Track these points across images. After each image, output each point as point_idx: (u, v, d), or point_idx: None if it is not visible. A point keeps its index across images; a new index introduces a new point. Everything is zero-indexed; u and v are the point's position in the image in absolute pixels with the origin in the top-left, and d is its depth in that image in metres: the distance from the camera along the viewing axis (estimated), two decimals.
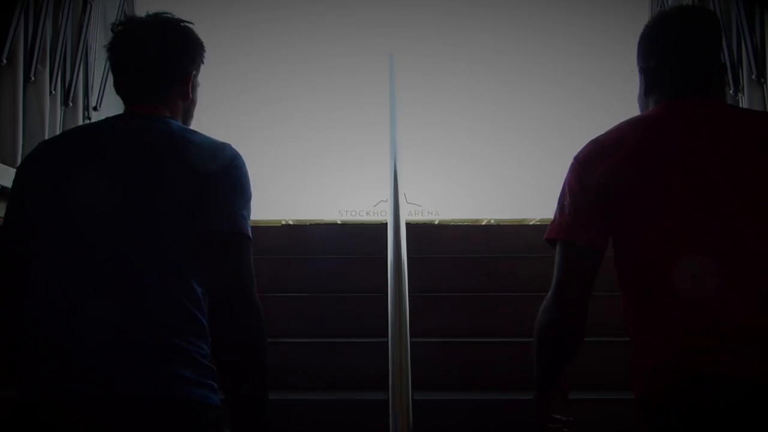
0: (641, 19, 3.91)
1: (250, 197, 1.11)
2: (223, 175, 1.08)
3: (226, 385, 1.03)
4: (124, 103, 1.19)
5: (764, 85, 2.71)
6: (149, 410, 0.97)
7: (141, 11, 3.80)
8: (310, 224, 4.04)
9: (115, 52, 1.17)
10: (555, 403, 1.23)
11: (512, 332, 2.52)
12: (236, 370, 1.03)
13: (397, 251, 1.86)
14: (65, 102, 3.11)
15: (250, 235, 1.08)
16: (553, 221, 1.15)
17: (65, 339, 1.00)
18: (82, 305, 1.01)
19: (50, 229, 1.07)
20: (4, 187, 2.41)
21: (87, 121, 3.31)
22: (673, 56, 1.15)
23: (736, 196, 1.01)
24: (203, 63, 1.24)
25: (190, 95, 1.22)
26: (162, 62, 1.16)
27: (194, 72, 1.22)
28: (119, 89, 1.19)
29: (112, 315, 0.99)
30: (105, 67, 3.53)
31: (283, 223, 5.24)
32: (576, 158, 1.14)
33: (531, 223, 4.82)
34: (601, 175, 1.08)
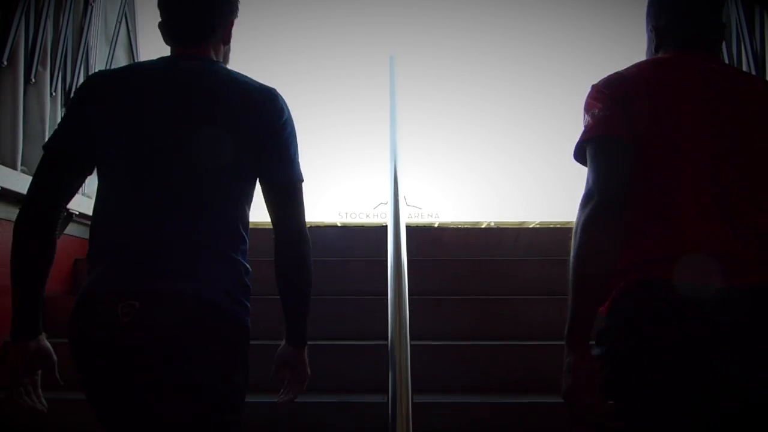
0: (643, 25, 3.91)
1: (296, 138, 1.34)
2: (279, 123, 1.28)
3: (283, 288, 1.33)
4: (173, 44, 1.32)
5: None
6: (188, 309, 1.14)
7: (141, 13, 3.76)
8: (310, 226, 4.02)
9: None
10: (590, 393, 1.09)
11: (513, 335, 2.52)
12: (291, 280, 1.33)
13: (398, 254, 1.86)
14: (66, 103, 3.09)
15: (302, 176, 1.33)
16: (584, 131, 1.20)
17: (129, 243, 1.19)
18: (148, 209, 1.19)
19: (119, 148, 1.23)
20: (4, 189, 2.40)
21: None
22: (682, 16, 1.29)
23: (750, 156, 1.16)
24: (238, 14, 1.39)
25: (229, 40, 1.39)
26: (212, 9, 1.31)
27: (234, 19, 1.37)
28: (169, 32, 1.31)
29: (172, 227, 1.18)
30: (105, 68, 3.53)
31: None
32: (596, 84, 1.24)
33: (531, 225, 4.82)
34: (624, 92, 1.19)
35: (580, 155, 1.22)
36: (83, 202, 3.02)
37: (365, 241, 3.16)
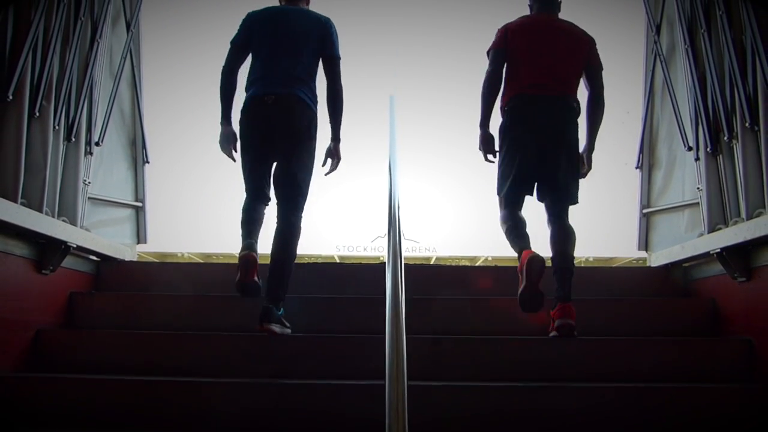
0: (639, 60, 4.02)
1: (338, 38, 2.94)
2: (330, 30, 2.89)
3: (329, 106, 2.90)
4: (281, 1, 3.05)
5: (758, 133, 2.73)
6: (295, 101, 2.78)
7: (146, 48, 3.81)
8: (308, 262, 4.01)
9: None
10: (490, 143, 2.91)
11: (513, 376, 2.50)
12: (333, 94, 2.88)
13: (395, 292, 1.85)
14: (68, 137, 3.11)
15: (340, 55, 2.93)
16: (491, 46, 2.90)
17: (267, 75, 2.82)
18: (274, 65, 2.82)
19: (263, 42, 2.88)
20: (2, 222, 2.40)
21: (88, 157, 3.33)
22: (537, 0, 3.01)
23: (559, 52, 2.84)
24: None
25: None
26: None
27: None
28: None
29: (289, 68, 2.81)
30: (108, 103, 3.57)
31: None
32: (499, 29, 2.92)
33: None
34: (507, 31, 2.89)
35: (488, 57, 2.91)
36: (80, 235, 3.02)
37: (363, 278, 3.15)
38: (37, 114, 2.80)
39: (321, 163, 2.91)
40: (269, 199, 2.87)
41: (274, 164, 2.83)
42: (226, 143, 2.88)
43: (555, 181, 2.75)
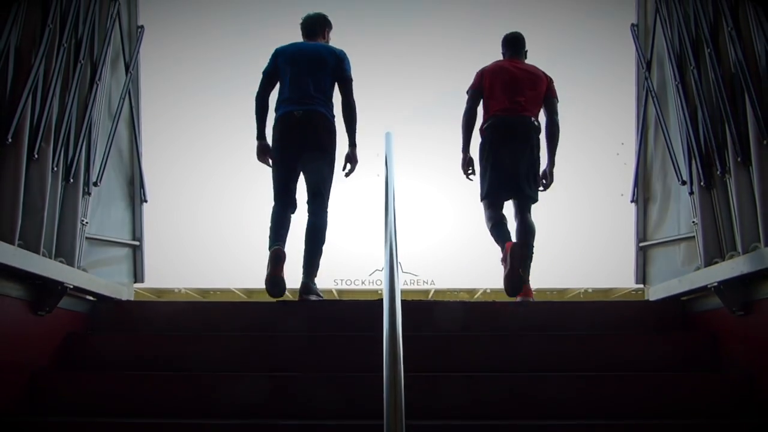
0: (631, 93, 4.09)
1: (350, 64, 3.71)
2: (344, 58, 3.65)
3: (344, 117, 3.60)
4: (306, 37, 3.83)
5: (750, 168, 2.76)
6: (318, 114, 3.52)
7: (145, 91, 3.87)
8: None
9: (305, 23, 3.83)
10: (470, 165, 3.86)
11: (515, 414, 2.46)
12: (347, 108, 3.60)
13: (393, 329, 1.84)
14: (66, 178, 3.13)
15: (352, 78, 3.68)
16: (470, 87, 3.91)
17: (294, 96, 3.54)
18: (300, 87, 3.54)
19: (290, 69, 3.59)
20: (1, 264, 2.40)
21: (86, 197, 3.36)
22: (508, 47, 4.00)
23: (522, 86, 3.78)
24: (331, 27, 3.93)
25: (328, 36, 3.91)
26: (321, 25, 3.85)
27: (328, 30, 3.90)
28: (304, 33, 3.83)
29: (309, 90, 3.53)
30: (107, 143, 3.60)
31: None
32: (477, 72, 3.92)
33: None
34: (484, 73, 3.88)
35: (467, 95, 3.89)
36: (77, 275, 3.01)
37: (361, 315, 3.13)
38: (36, 156, 2.81)
39: (341, 167, 3.59)
40: (296, 207, 3.49)
41: (300, 173, 3.51)
42: (262, 154, 3.60)
43: (522, 183, 3.64)
